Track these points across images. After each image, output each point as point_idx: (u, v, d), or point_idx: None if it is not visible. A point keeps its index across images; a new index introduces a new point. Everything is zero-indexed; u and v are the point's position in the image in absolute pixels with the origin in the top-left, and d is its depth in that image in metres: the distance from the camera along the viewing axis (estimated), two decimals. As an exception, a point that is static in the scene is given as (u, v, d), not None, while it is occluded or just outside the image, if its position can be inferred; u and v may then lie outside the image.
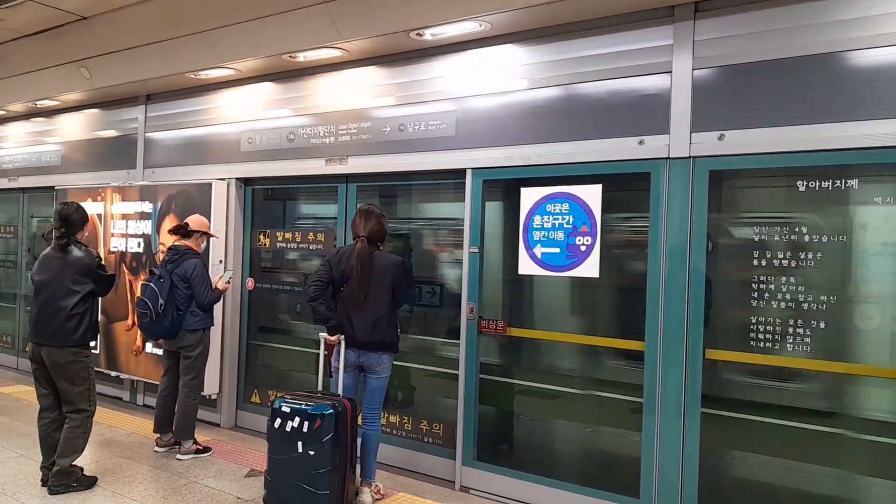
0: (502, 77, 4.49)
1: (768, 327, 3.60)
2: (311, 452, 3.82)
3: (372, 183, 5.30)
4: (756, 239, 3.66)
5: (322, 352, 4.31)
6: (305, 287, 4.18)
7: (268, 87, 5.75)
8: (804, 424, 3.66)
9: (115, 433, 5.55)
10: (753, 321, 3.64)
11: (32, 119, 8.07)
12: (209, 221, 5.36)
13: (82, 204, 4.63)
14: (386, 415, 5.01)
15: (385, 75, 5.06)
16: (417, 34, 4.56)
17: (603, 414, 4.39)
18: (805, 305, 3.50)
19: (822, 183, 3.48)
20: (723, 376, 3.87)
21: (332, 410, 3.85)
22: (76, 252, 4.35)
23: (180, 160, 6.37)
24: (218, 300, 5.15)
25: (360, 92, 5.17)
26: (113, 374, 6.46)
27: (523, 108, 4.41)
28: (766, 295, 3.60)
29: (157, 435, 5.15)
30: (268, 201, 6.12)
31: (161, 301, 4.81)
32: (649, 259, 3.92)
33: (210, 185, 5.79)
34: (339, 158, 5.24)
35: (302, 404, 3.92)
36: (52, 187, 7.33)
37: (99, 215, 6.60)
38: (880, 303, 3.42)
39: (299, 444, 3.84)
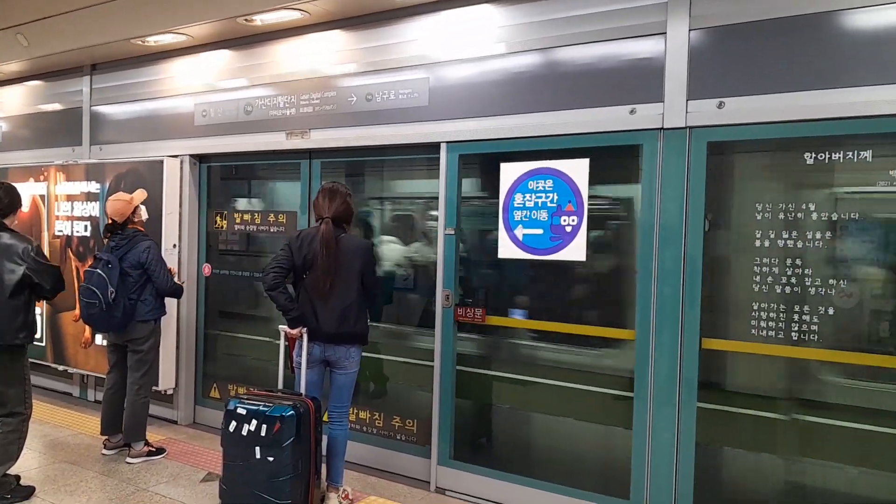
0: (480, 41, 4.08)
1: (770, 314, 3.29)
2: (271, 458, 3.43)
3: (337, 158, 4.86)
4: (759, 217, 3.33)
5: (283, 344, 3.91)
6: (263, 274, 3.76)
7: (223, 55, 5.26)
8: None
9: (60, 434, 5.10)
10: (755, 307, 3.33)
11: (-29, 93, 7.45)
12: (139, 197, 4.66)
13: (24, 184, 4.13)
14: (356, 410, 4.64)
15: (351, 39, 4.61)
16: (385, -8, 4.13)
17: (590, 408, 4.06)
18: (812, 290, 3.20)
19: (833, 155, 3.16)
20: (719, 367, 3.57)
21: (292, 412, 3.46)
22: (5, 239, 3.88)
23: (130, 136, 5.85)
24: (180, 293, 4.72)
25: (324, 58, 4.71)
26: (61, 367, 5.98)
27: (503, 74, 4.01)
28: (770, 279, 3.28)
29: (105, 437, 4.71)
30: (225, 181, 5.65)
31: (111, 289, 4.34)
32: (640, 240, 3.58)
33: (161, 162, 5.31)
34: (300, 132, 4.79)
35: (259, 405, 3.52)
36: (-8, 166, 6.75)
37: (42, 196, 6.07)
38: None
39: (257, 449, 3.45)
